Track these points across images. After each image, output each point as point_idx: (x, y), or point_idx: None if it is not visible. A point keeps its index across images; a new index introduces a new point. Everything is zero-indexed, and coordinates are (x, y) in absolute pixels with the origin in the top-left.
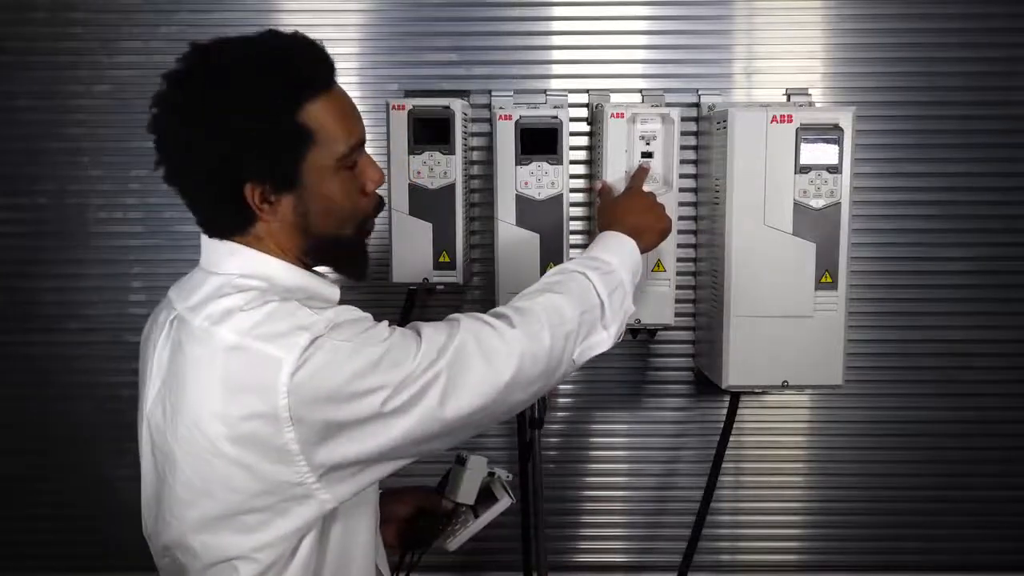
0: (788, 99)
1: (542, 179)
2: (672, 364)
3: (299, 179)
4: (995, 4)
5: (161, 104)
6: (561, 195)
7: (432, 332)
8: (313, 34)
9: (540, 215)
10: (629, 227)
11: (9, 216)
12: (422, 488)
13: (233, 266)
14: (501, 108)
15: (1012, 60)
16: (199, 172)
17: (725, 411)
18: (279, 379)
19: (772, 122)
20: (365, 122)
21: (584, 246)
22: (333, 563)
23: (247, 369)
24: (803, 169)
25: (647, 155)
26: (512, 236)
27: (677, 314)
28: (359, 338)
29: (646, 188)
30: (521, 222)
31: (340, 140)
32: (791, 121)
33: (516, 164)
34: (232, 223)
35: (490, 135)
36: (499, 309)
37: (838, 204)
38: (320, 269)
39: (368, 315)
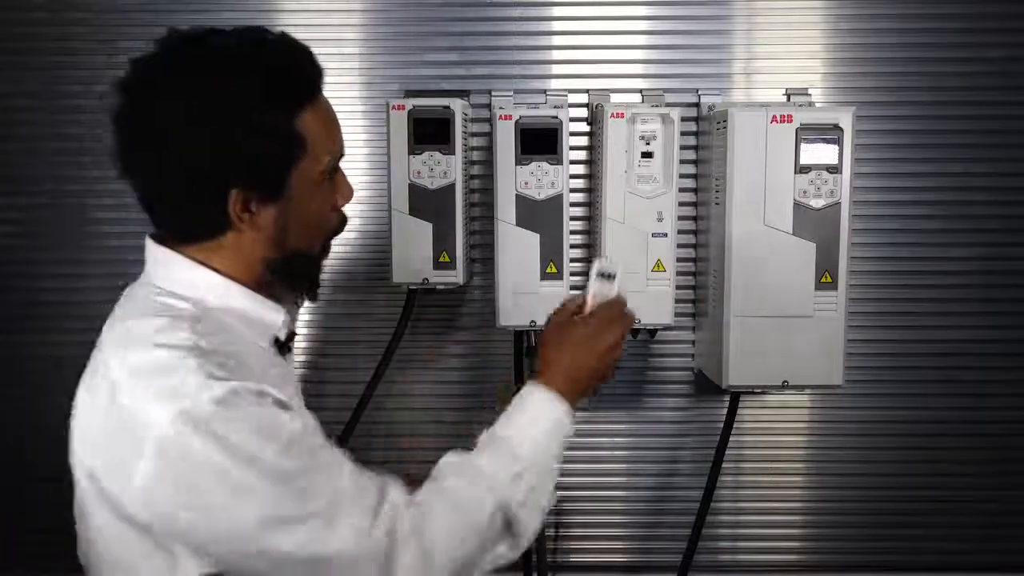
0: (788, 99)
1: (542, 179)
2: (672, 364)
3: (286, 190)
4: (994, 4)
5: (144, 91)
6: (561, 195)
7: (343, 486)
8: (313, 34)
9: (540, 215)
10: (567, 375)
11: (9, 216)
12: None
13: (163, 279)
14: (501, 108)
15: (1011, 60)
16: (179, 171)
17: (725, 411)
18: (143, 444)
19: (772, 122)
20: (365, 122)
21: (584, 246)
22: None
23: (120, 416)
24: (803, 169)
25: (647, 155)
26: (512, 236)
27: (677, 314)
28: (239, 443)
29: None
30: (521, 222)
31: (327, 151)
32: (791, 121)
33: (516, 164)
34: (199, 230)
35: (490, 135)
36: (409, 514)
37: (838, 204)
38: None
39: (281, 411)
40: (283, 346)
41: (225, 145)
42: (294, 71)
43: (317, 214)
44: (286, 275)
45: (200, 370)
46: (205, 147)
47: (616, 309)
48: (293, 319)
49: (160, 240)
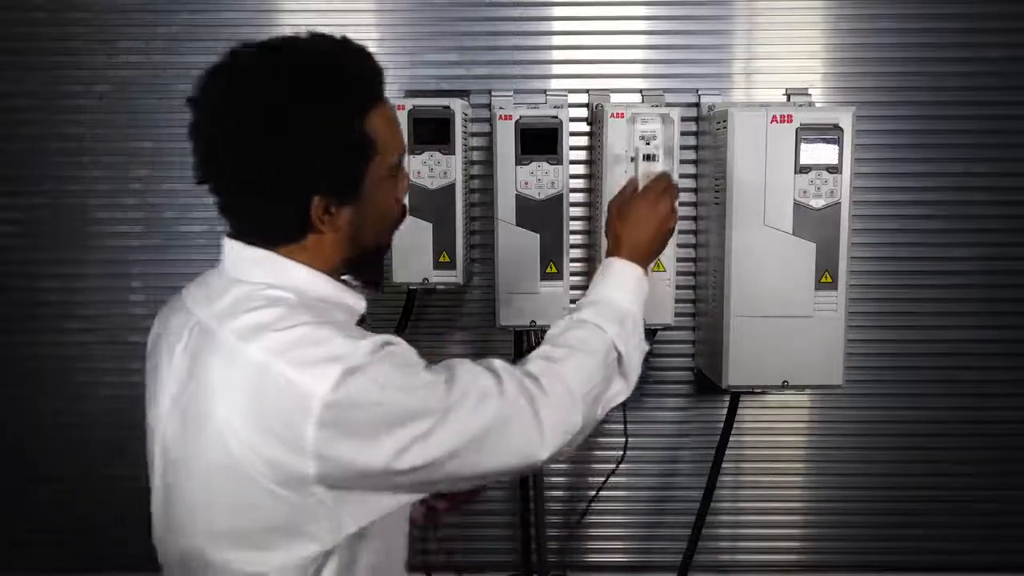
0: (788, 99)
1: (542, 179)
2: (672, 364)
3: (360, 191)
4: (994, 4)
5: (222, 105)
6: (561, 195)
7: (472, 387)
8: None
9: (540, 215)
10: (634, 245)
11: (9, 216)
12: None
13: (261, 275)
14: (501, 108)
15: (1011, 60)
16: (263, 182)
17: (725, 411)
18: (309, 410)
19: (772, 122)
20: None
21: (584, 246)
22: None
23: (277, 394)
24: (803, 169)
25: (649, 157)
26: (512, 236)
27: (677, 314)
28: (394, 381)
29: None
30: (521, 222)
31: (393, 149)
32: (791, 121)
33: (516, 164)
34: (283, 234)
35: (490, 135)
36: (534, 371)
37: (838, 204)
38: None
39: (410, 350)
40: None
41: (307, 155)
42: (363, 76)
43: (386, 209)
44: (359, 270)
45: (342, 334)
46: (288, 158)
47: (663, 182)
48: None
49: (244, 242)
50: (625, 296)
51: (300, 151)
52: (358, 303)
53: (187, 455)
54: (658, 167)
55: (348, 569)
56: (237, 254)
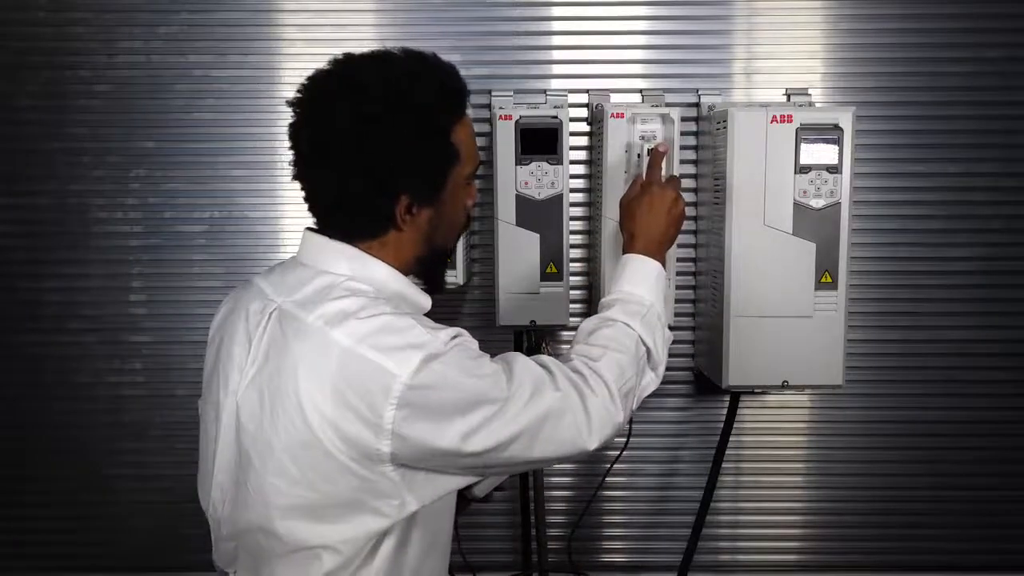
0: (788, 99)
1: (542, 179)
2: (672, 364)
3: (441, 194)
4: (994, 4)
5: (328, 107)
6: (561, 195)
7: (528, 379)
8: (312, 34)
9: (540, 215)
10: (647, 239)
11: (10, 216)
12: None
13: (344, 268)
14: (501, 108)
15: (1012, 60)
16: (360, 178)
17: (725, 411)
18: (390, 392)
19: (772, 122)
20: None
21: (584, 246)
22: (411, 566)
23: (360, 375)
24: (803, 169)
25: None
26: (512, 236)
27: (677, 314)
28: (467, 369)
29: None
30: (521, 222)
31: (473, 160)
32: (791, 121)
33: (516, 164)
34: (369, 229)
35: (490, 135)
36: (580, 368)
37: (838, 204)
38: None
39: (475, 343)
40: None
41: (399, 156)
42: (456, 90)
43: (458, 215)
44: (428, 271)
45: (422, 325)
46: (382, 158)
47: (661, 173)
48: None
49: (328, 235)
50: (645, 291)
51: (398, 151)
52: (426, 301)
53: (266, 431)
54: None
55: (400, 550)
56: (319, 246)
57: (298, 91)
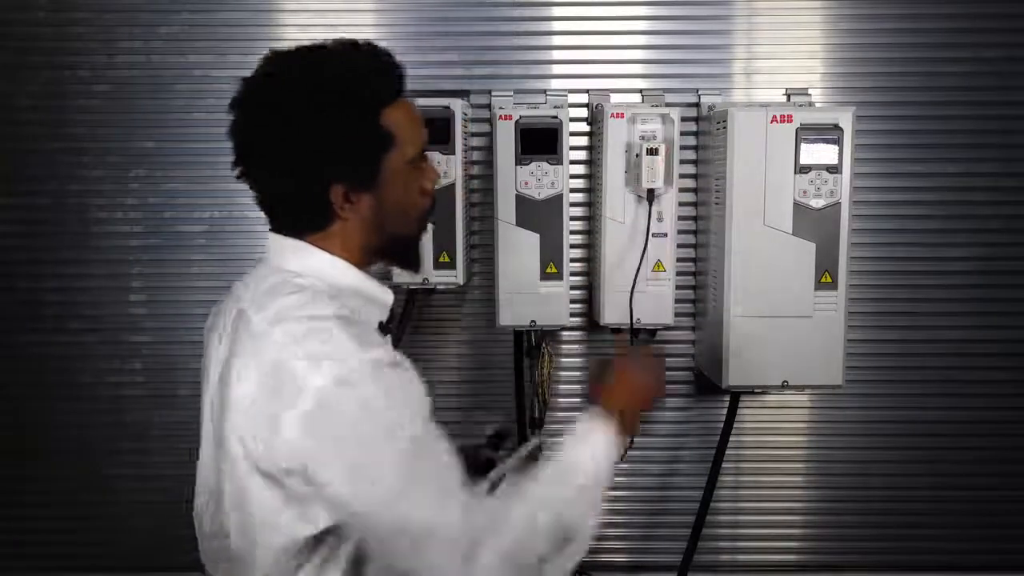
0: (788, 99)
1: (542, 179)
2: (672, 364)
3: (379, 179)
4: (994, 4)
5: (252, 106)
6: (561, 195)
7: (436, 476)
8: (312, 34)
9: (540, 215)
10: (616, 413)
11: (10, 216)
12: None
13: (292, 263)
14: (501, 108)
15: (1010, 60)
16: (287, 172)
17: (725, 411)
18: (295, 402)
19: (772, 122)
20: None
21: (584, 246)
22: None
23: (276, 381)
24: (803, 169)
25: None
26: (512, 236)
27: (677, 314)
28: (374, 404)
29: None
30: (521, 222)
31: (413, 142)
32: (791, 121)
33: (516, 164)
34: (310, 221)
35: (490, 135)
36: (487, 521)
37: (838, 204)
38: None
39: (413, 376)
40: (384, 327)
41: (325, 143)
42: (377, 75)
43: (408, 198)
44: (390, 255)
45: (351, 337)
46: (309, 147)
47: (646, 358)
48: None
49: (281, 233)
50: (592, 464)
51: (320, 141)
52: (384, 294)
53: (219, 433)
54: (660, 160)
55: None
56: (275, 244)
57: (237, 91)
